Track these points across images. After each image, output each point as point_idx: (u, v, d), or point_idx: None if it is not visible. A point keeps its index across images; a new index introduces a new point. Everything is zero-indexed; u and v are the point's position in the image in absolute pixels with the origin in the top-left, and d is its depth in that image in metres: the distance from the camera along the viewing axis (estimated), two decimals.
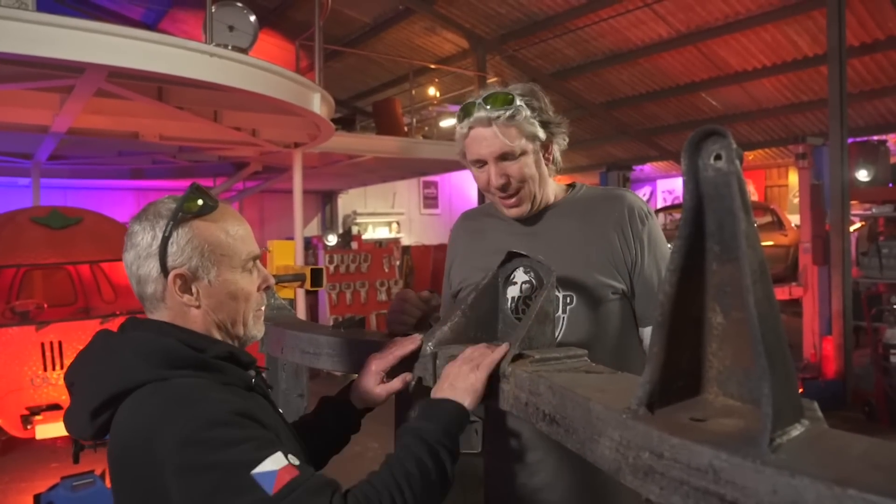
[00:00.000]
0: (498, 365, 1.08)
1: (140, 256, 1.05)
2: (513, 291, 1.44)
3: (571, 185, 1.61)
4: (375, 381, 1.24)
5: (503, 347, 1.11)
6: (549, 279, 1.18)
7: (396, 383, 1.25)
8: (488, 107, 1.40)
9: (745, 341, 0.66)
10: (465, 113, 1.44)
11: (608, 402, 0.79)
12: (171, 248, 1.04)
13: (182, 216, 1.05)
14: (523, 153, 1.43)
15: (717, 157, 0.65)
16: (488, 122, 1.40)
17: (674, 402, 0.73)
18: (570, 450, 0.86)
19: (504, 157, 1.43)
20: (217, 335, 1.10)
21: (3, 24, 3.28)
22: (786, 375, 0.61)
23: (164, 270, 1.04)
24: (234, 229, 1.09)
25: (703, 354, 0.73)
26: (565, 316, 1.45)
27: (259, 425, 0.95)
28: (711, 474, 0.60)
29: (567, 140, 1.52)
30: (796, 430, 0.61)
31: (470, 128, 1.43)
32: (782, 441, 0.59)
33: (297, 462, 0.92)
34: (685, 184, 0.68)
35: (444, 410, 1.05)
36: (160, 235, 1.03)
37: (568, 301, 1.45)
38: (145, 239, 1.04)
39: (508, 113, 1.40)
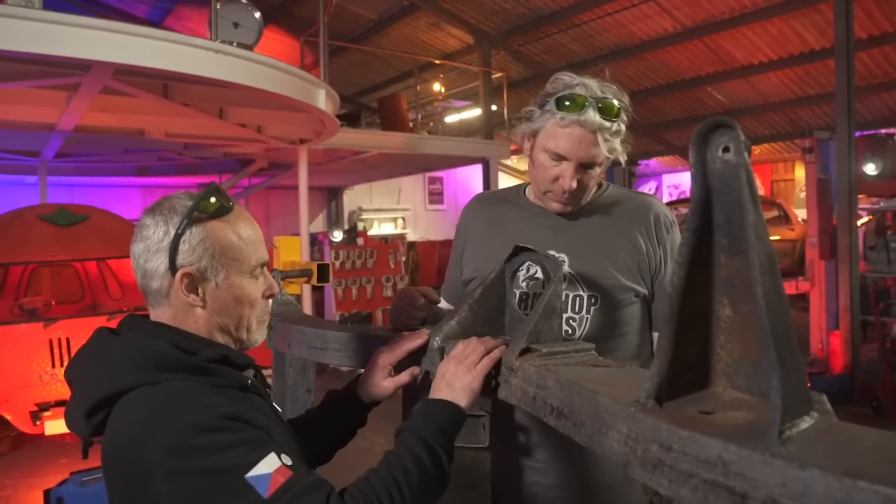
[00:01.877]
0: (497, 366, 1.09)
1: (149, 250, 1.03)
2: (521, 289, 1.44)
3: (598, 184, 1.59)
4: (383, 375, 1.24)
5: (499, 346, 1.11)
6: (556, 273, 1.18)
7: (404, 377, 1.24)
8: (606, 114, 1.34)
9: (754, 334, 0.66)
10: (569, 104, 1.35)
11: (616, 396, 0.78)
12: (183, 246, 1.02)
13: (197, 215, 1.03)
14: (600, 165, 1.42)
15: (726, 150, 0.65)
16: (597, 128, 1.35)
17: (682, 395, 0.73)
18: (578, 443, 0.86)
19: (589, 164, 1.40)
20: (219, 338, 1.08)
21: (9, 22, 3.28)
22: (795, 367, 0.60)
23: (173, 268, 1.02)
24: (246, 234, 1.08)
25: (711, 347, 0.73)
26: (589, 316, 1.44)
27: (249, 426, 0.94)
28: (720, 467, 0.60)
29: (626, 157, 1.45)
30: (805, 423, 0.61)
31: (572, 122, 1.36)
32: (791, 433, 0.59)
33: (290, 462, 0.91)
34: (693, 176, 0.67)
35: (441, 410, 1.06)
36: (173, 232, 1.02)
37: (593, 301, 1.44)
38: (157, 233, 1.03)
39: (616, 127, 1.36)
